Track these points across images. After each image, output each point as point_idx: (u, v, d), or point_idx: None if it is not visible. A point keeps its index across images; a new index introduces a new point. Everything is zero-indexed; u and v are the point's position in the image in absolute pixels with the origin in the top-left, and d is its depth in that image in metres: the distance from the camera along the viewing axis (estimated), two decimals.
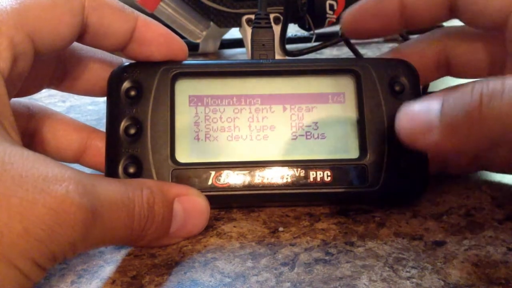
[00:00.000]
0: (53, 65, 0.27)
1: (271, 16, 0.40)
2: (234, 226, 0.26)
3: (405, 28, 0.29)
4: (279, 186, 0.26)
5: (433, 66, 0.30)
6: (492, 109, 0.21)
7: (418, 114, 0.23)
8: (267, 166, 0.26)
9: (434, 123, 0.22)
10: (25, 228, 0.17)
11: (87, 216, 0.19)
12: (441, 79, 0.31)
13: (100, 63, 0.28)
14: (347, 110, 0.28)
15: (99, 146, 0.28)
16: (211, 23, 0.47)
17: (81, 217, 0.18)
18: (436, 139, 0.22)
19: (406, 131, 0.23)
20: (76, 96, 0.43)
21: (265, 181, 0.26)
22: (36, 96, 0.30)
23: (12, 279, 0.17)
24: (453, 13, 0.28)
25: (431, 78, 0.31)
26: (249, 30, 0.44)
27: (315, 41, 0.47)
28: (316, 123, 0.28)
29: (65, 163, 0.20)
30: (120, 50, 0.27)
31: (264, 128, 0.27)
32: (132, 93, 0.27)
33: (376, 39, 0.55)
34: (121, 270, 0.23)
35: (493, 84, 0.21)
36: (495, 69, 0.29)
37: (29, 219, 0.17)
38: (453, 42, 0.30)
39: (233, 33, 0.54)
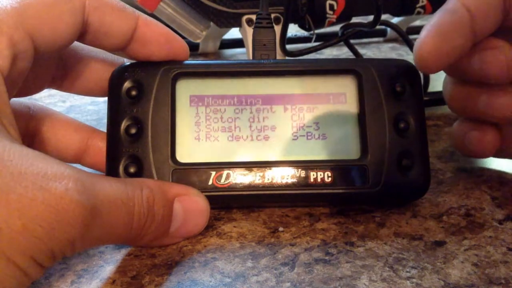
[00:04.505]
0: (54, 65, 0.27)
1: (271, 16, 0.40)
2: (234, 226, 0.26)
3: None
4: (279, 187, 0.26)
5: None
6: None
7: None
8: (267, 167, 0.26)
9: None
10: (24, 225, 0.17)
11: (86, 214, 0.19)
12: (440, 77, 0.31)
13: (101, 63, 0.28)
14: (348, 110, 0.28)
15: (100, 146, 0.28)
16: (211, 23, 0.47)
17: (80, 215, 0.18)
18: None
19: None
20: (76, 96, 0.43)
21: (266, 181, 0.26)
22: (36, 96, 0.30)
23: (11, 276, 0.17)
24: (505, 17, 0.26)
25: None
26: (249, 30, 0.44)
27: (315, 41, 0.47)
28: (317, 123, 0.28)
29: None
30: (121, 49, 0.27)
31: (265, 129, 0.27)
32: (133, 93, 0.27)
33: (375, 39, 0.55)
34: (121, 270, 0.23)
35: None
36: None
37: (28, 216, 0.17)
38: None
39: (233, 33, 0.54)
